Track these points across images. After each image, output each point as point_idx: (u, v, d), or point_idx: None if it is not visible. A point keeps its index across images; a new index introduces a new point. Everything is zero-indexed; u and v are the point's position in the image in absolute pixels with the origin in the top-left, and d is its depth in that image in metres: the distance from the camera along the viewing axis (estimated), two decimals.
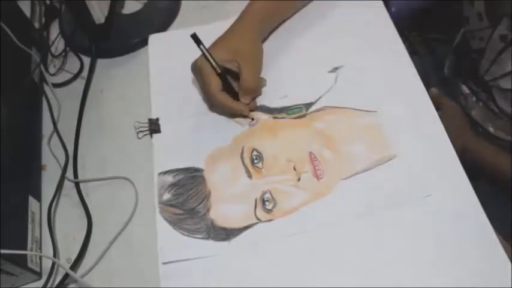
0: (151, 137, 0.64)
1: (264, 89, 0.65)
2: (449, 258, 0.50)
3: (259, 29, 0.63)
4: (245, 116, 0.62)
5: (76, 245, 0.57)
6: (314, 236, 0.54)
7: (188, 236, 0.55)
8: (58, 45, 0.77)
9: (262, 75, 0.64)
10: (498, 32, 0.60)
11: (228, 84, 0.60)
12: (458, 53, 0.76)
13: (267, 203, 0.56)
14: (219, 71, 0.59)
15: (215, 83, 0.59)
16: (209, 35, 0.62)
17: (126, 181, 0.61)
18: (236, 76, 0.60)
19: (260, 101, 0.64)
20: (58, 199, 0.62)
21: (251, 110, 0.63)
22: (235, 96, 0.61)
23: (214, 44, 0.60)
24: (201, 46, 0.58)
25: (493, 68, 0.63)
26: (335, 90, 0.63)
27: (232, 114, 0.63)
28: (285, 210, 0.55)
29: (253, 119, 0.62)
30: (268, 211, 0.56)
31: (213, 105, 0.63)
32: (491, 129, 0.71)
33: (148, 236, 0.56)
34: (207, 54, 0.58)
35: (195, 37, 0.57)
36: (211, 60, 0.58)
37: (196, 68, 0.60)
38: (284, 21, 0.70)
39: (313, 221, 0.54)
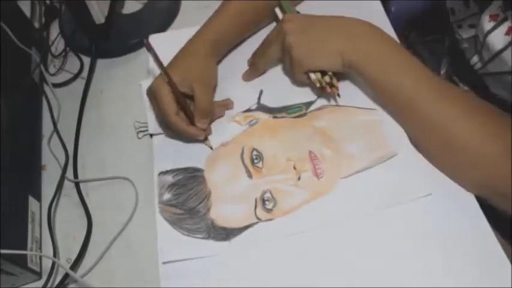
0: (151, 137, 0.64)
1: (264, 89, 0.65)
2: (449, 258, 0.50)
3: (213, 49, 0.62)
4: (201, 141, 0.61)
5: (76, 245, 0.57)
6: (314, 235, 0.53)
7: (188, 235, 0.55)
8: (58, 45, 0.77)
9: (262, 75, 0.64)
10: (488, 13, 0.59)
11: (185, 107, 0.59)
12: (452, 51, 0.75)
13: (267, 203, 0.56)
14: (167, 80, 0.56)
15: (170, 105, 0.57)
16: None
17: (126, 181, 0.61)
18: (192, 99, 0.59)
19: (261, 100, 0.64)
20: (58, 199, 0.62)
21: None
22: (192, 120, 0.59)
23: (171, 70, 0.58)
24: (152, 52, 0.54)
25: (482, 52, 0.62)
26: None
27: (188, 139, 0.61)
28: (285, 210, 0.55)
29: (211, 147, 0.61)
30: (269, 211, 0.56)
31: (168, 129, 0.61)
32: None
33: (148, 236, 0.56)
34: (159, 63, 0.56)
35: (147, 45, 0.53)
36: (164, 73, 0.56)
37: (151, 91, 0.59)
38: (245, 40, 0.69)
39: (314, 220, 0.54)
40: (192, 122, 0.59)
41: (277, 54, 0.62)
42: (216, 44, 0.63)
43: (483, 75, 0.62)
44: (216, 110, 0.62)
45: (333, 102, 0.62)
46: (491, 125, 0.51)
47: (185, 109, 0.59)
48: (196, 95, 0.58)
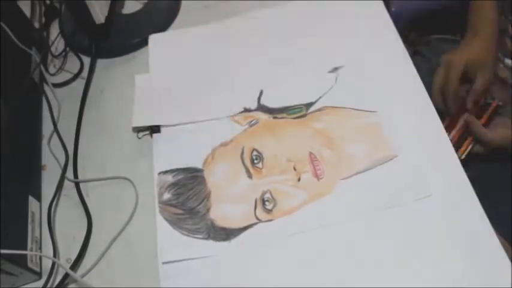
0: (151, 137, 0.64)
1: (264, 90, 0.65)
2: (449, 259, 0.50)
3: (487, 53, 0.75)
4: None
5: (76, 245, 0.57)
6: (314, 236, 0.53)
7: (188, 236, 0.55)
8: (58, 45, 0.77)
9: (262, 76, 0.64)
10: None
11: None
12: None
13: (267, 203, 0.56)
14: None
15: (457, 77, 0.71)
16: (209, 35, 0.63)
17: (126, 181, 0.61)
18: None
19: (261, 101, 0.64)
20: (58, 199, 0.62)
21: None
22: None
23: (463, 54, 0.74)
24: None
25: None
26: (335, 90, 0.63)
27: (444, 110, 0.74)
28: (285, 210, 0.55)
29: None
30: (268, 211, 0.56)
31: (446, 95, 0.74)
32: None
33: (148, 236, 0.56)
34: None
35: None
36: None
37: (446, 62, 0.74)
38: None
39: (313, 221, 0.54)
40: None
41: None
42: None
43: None
44: None
45: (333, 103, 0.62)
46: None
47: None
48: (479, 78, 0.72)
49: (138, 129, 0.65)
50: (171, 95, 0.66)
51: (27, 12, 0.76)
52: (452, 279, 0.49)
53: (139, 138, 0.65)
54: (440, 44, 0.87)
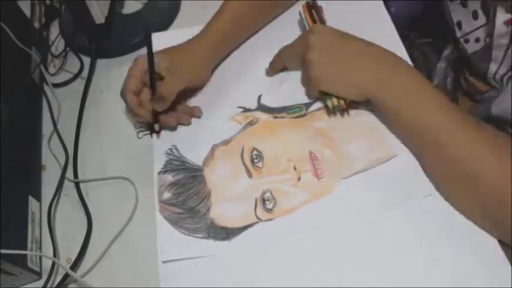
0: (151, 137, 0.64)
1: (263, 89, 0.65)
2: (449, 259, 0.50)
3: (213, 53, 0.64)
4: (151, 127, 0.62)
5: (76, 245, 0.57)
6: (314, 235, 0.53)
7: (188, 235, 0.55)
8: (58, 45, 0.77)
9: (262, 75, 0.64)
10: (500, 20, 0.57)
11: (152, 83, 0.60)
12: (454, 68, 0.74)
13: (267, 203, 0.56)
14: (153, 71, 0.59)
15: (134, 82, 0.59)
16: None
17: (126, 181, 0.61)
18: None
19: (261, 100, 0.64)
20: (58, 199, 0.62)
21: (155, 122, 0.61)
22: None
23: (162, 50, 0.61)
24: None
25: (505, 58, 0.61)
26: None
27: (132, 120, 0.64)
28: (285, 210, 0.55)
29: (158, 131, 0.62)
30: (269, 210, 0.56)
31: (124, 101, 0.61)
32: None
33: (148, 236, 0.56)
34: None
35: (148, 36, 0.59)
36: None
37: (134, 62, 0.61)
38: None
39: (314, 221, 0.54)
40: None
41: (296, 62, 0.61)
42: (216, 47, 0.63)
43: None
44: (183, 117, 0.62)
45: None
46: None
47: (152, 86, 0.60)
48: (165, 80, 0.59)
49: (138, 129, 0.65)
50: None
51: (27, 12, 0.76)
52: (452, 279, 0.49)
53: (140, 138, 0.65)
54: (440, 44, 0.87)
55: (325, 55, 0.56)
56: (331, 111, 0.60)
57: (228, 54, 0.68)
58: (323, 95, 0.59)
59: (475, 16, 0.61)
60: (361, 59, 0.56)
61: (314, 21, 0.63)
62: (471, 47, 0.63)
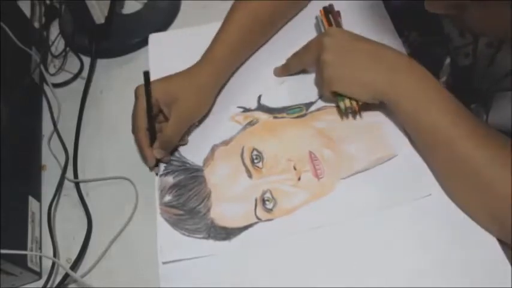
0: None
1: (263, 89, 0.65)
2: (449, 259, 0.50)
3: (216, 79, 0.61)
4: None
5: (76, 245, 0.57)
6: (314, 235, 0.53)
7: (188, 236, 0.55)
8: (58, 45, 0.77)
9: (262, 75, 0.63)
10: (482, 42, 0.58)
11: (152, 126, 0.57)
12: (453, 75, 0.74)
13: (267, 203, 0.56)
14: (151, 112, 0.56)
15: (143, 119, 0.57)
16: (209, 35, 0.63)
17: (126, 181, 0.61)
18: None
19: (261, 100, 0.64)
20: (58, 199, 0.62)
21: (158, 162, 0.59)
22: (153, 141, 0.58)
23: (162, 80, 0.58)
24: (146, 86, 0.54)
25: (488, 75, 0.61)
26: None
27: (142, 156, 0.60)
28: (285, 210, 0.55)
29: (157, 174, 0.59)
30: (269, 211, 0.56)
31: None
32: None
33: (148, 236, 0.56)
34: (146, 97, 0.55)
35: (146, 75, 0.53)
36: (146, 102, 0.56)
37: (135, 95, 0.58)
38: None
39: (313, 221, 0.54)
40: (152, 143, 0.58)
41: (311, 64, 0.61)
42: (220, 74, 0.62)
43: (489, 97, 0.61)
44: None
45: (332, 103, 0.62)
46: None
47: (151, 128, 0.57)
48: (170, 123, 0.57)
49: None
50: None
51: (27, 12, 0.76)
52: (453, 279, 0.49)
53: None
54: (436, 46, 0.86)
55: (339, 56, 0.57)
56: (343, 113, 0.60)
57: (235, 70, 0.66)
58: (336, 96, 0.59)
59: (462, 34, 0.61)
60: (374, 61, 0.56)
61: (330, 25, 0.65)
62: (462, 61, 0.63)
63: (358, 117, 0.60)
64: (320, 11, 0.66)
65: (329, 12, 0.65)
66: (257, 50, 0.68)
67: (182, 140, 0.61)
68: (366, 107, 0.59)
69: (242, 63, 0.67)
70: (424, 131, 0.53)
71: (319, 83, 0.61)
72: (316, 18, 0.67)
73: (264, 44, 0.68)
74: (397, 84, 0.54)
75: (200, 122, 0.63)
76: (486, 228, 0.51)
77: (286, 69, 0.65)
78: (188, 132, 0.62)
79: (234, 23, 0.63)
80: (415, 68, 0.55)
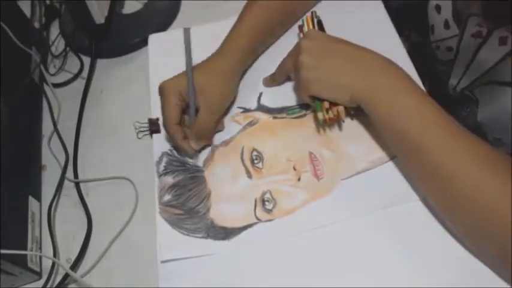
0: (151, 137, 0.64)
1: (263, 89, 0.65)
2: (449, 259, 0.50)
3: (238, 67, 0.61)
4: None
5: (76, 245, 0.57)
6: (314, 236, 0.53)
7: (188, 235, 0.55)
8: (58, 45, 0.77)
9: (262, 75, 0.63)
10: (468, 33, 0.56)
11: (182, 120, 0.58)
12: (430, 71, 0.72)
13: (267, 203, 0.56)
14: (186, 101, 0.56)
15: (173, 113, 0.56)
16: (209, 35, 0.63)
17: (126, 181, 0.61)
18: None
19: (261, 101, 0.64)
20: (58, 199, 0.62)
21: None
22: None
23: (183, 74, 0.58)
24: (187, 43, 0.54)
25: (471, 69, 0.59)
26: None
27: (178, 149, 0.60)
28: (285, 210, 0.55)
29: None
30: (268, 211, 0.56)
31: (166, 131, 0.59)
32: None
33: (148, 236, 0.56)
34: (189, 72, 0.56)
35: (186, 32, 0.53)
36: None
37: (160, 92, 0.58)
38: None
39: (313, 221, 0.54)
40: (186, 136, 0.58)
41: (291, 68, 0.60)
42: (241, 62, 0.61)
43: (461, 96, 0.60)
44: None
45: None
46: (503, 176, 0.45)
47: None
48: (201, 114, 0.56)
49: (138, 130, 0.65)
50: None
51: (27, 12, 0.76)
52: (452, 279, 0.49)
53: (139, 138, 0.65)
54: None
55: (316, 58, 0.55)
56: (320, 124, 0.59)
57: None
58: (314, 101, 0.57)
59: (446, 25, 0.60)
60: (351, 63, 0.54)
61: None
62: (443, 55, 0.62)
63: (359, 118, 0.60)
64: (306, 16, 0.65)
65: (314, 18, 0.64)
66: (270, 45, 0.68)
67: (219, 127, 0.61)
68: (349, 112, 0.58)
69: (259, 54, 0.67)
70: (396, 135, 0.52)
71: (297, 86, 0.60)
72: (302, 21, 0.65)
73: (275, 41, 0.68)
74: (372, 88, 0.52)
75: (228, 110, 0.62)
76: (478, 248, 0.49)
77: (273, 79, 0.65)
78: (220, 119, 0.61)
79: (252, 16, 0.63)
80: (392, 70, 0.53)
